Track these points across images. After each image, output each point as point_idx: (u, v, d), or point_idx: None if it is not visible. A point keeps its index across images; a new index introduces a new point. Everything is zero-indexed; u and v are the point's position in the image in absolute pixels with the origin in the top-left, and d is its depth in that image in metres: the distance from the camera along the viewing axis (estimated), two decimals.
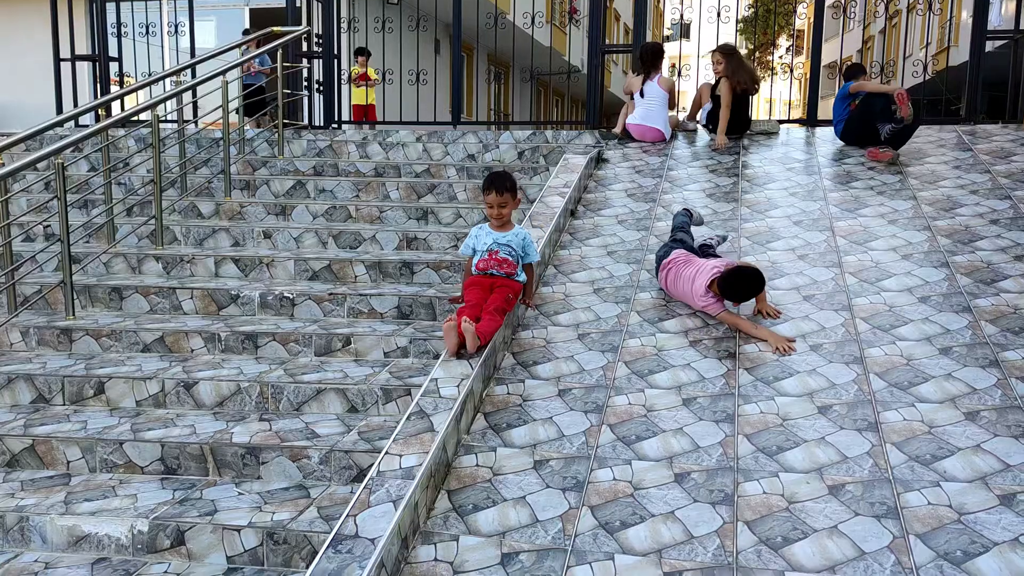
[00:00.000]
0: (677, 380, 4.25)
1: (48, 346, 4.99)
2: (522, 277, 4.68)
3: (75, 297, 5.24)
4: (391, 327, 5.00)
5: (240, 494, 3.69)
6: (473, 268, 4.63)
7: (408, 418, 3.76)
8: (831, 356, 4.40)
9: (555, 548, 3.21)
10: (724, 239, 5.65)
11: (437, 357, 4.53)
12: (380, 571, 2.93)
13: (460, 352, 4.22)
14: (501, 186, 4.59)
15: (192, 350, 4.88)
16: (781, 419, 3.91)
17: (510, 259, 4.59)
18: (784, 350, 4.44)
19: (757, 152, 7.80)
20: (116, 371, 4.53)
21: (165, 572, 3.30)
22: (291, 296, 5.29)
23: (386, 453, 3.51)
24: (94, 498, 3.65)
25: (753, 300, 4.85)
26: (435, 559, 3.18)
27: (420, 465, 3.39)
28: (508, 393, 4.25)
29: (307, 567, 3.23)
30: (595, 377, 4.33)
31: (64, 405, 4.44)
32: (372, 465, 3.64)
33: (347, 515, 3.15)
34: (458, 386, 3.98)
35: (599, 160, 7.59)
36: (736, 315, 4.75)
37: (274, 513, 3.49)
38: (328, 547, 2.99)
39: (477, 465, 3.72)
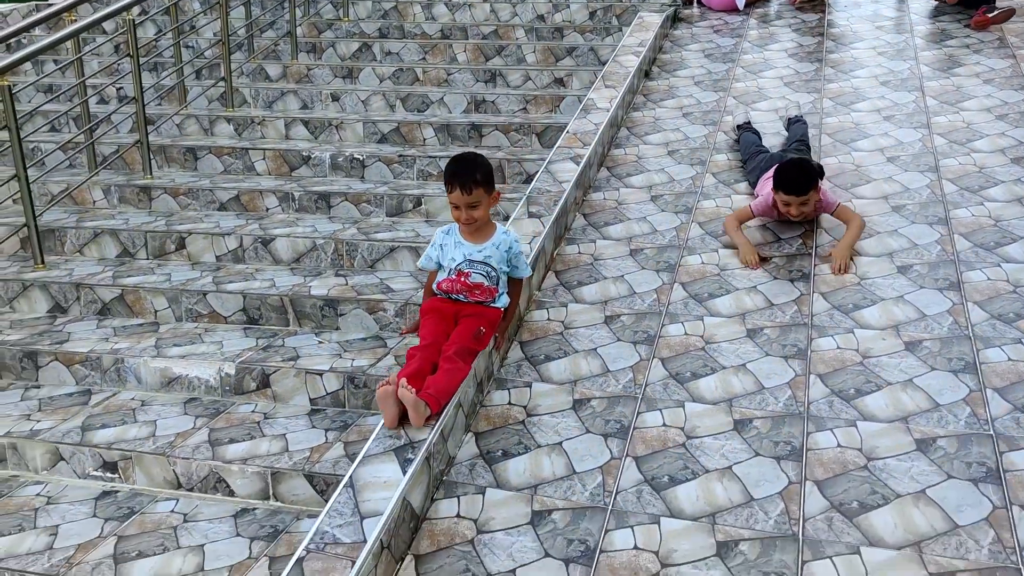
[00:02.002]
0: (752, 239, 4.21)
1: (129, 203, 5.18)
2: (502, 301, 3.28)
3: (151, 157, 5.39)
4: None
5: (320, 343, 3.87)
6: (434, 287, 3.29)
7: None
8: (914, 217, 4.29)
9: (625, 395, 3.30)
10: (799, 119, 5.25)
11: (507, 219, 4.57)
12: (458, 410, 3.07)
13: (403, 424, 2.93)
14: (467, 179, 3.07)
15: (267, 209, 5.01)
16: (859, 277, 3.87)
17: (485, 283, 3.19)
18: (749, 264, 4.01)
19: (844, 10, 7.39)
20: (195, 227, 4.70)
21: (252, 411, 3.52)
22: (361, 158, 5.34)
23: None
24: (182, 343, 3.87)
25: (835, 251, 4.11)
26: (509, 403, 3.32)
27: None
28: (579, 252, 4.28)
29: None
30: (668, 238, 4.33)
31: (148, 259, 4.65)
32: None
33: None
34: (530, 243, 4.02)
35: (675, 20, 7.30)
36: (735, 220, 4.22)
37: (353, 360, 3.66)
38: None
39: (548, 319, 3.80)
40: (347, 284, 4.20)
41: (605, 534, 2.72)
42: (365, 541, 2.50)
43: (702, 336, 3.60)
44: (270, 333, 3.99)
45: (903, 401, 3.16)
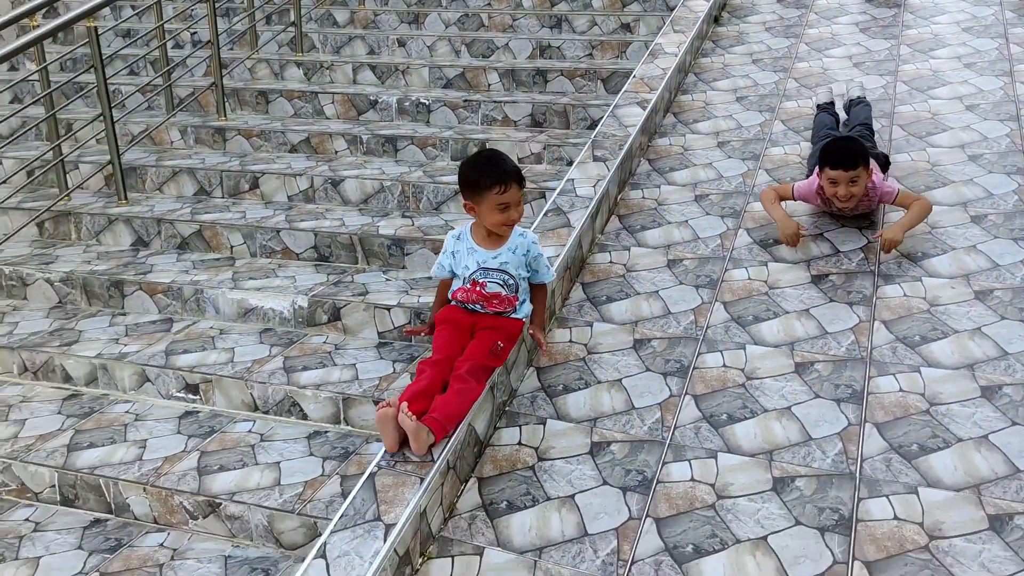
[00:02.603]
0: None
1: (204, 144, 5.37)
2: (524, 310, 3.03)
3: (225, 100, 5.56)
4: (524, 134, 5.08)
5: (387, 280, 4.00)
6: (450, 295, 3.05)
7: (545, 214, 3.91)
8: (991, 166, 4.21)
9: (687, 337, 3.37)
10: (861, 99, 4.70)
11: (570, 164, 4.61)
12: (520, 345, 3.18)
13: (404, 448, 2.70)
14: (518, 174, 2.86)
15: (336, 151, 5.15)
16: (930, 227, 3.84)
17: (503, 292, 2.94)
18: (790, 242, 3.73)
19: None
20: (268, 168, 4.87)
21: (324, 342, 3.68)
22: (427, 102, 5.43)
23: None
24: (257, 277, 4.06)
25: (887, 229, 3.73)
26: (570, 340, 3.41)
27: (558, 256, 3.56)
28: (643, 197, 4.32)
29: None
30: (734, 184, 4.33)
31: (223, 197, 4.84)
32: None
33: None
34: (594, 187, 4.08)
35: None
36: (773, 192, 3.88)
37: (420, 296, 3.79)
38: None
39: (611, 262, 3.87)
40: (413, 225, 4.32)
41: (662, 466, 2.81)
42: (433, 461, 2.64)
43: (765, 281, 3.63)
44: (340, 270, 4.15)
45: (970, 348, 3.16)
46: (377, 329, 3.72)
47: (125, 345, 3.70)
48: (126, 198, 4.72)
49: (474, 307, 2.98)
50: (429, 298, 3.77)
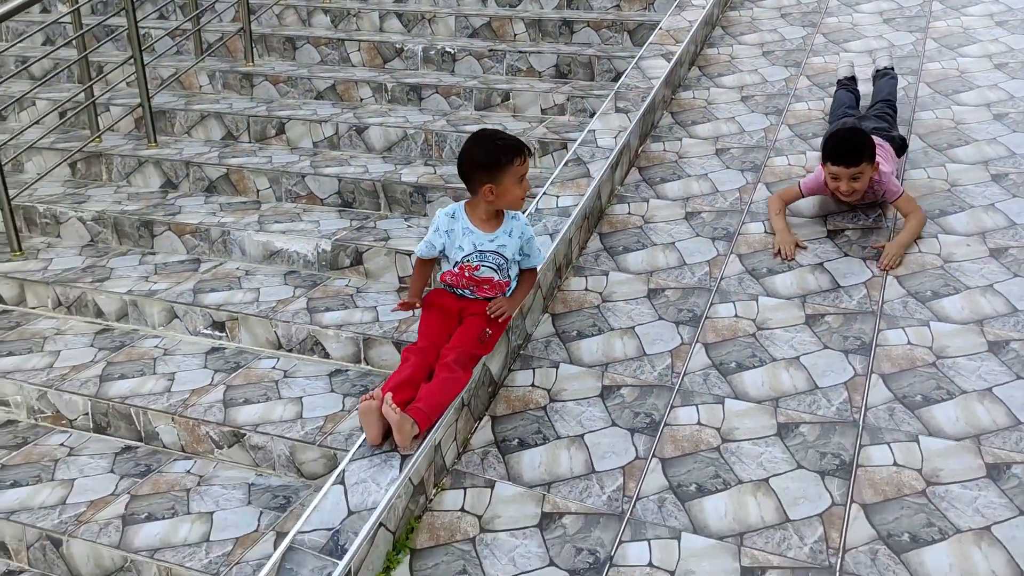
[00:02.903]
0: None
1: (232, 89, 5.45)
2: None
3: (253, 45, 5.63)
4: (548, 85, 5.11)
5: (409, 226, 4.09)
6: (439, 278, 2.99)
7: (566, 164, 3.97)
8: (1016, 125, 4.20)
9: (700, 287, 3.44)
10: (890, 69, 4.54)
11: (593, 115, 4.64)
12: (536, 291, 3.27)
13: (387, 440, 2.64)
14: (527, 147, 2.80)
15: (361, 99, 5.21)
16: (949, 184, 3.85)
17: (496, 277, 2.85)
18: (785, 254, 3.52)
19: None
20: (294, 114, 4.95)
21: (346, 285, 3.79)
22: (452, 51, 5.46)
23: (544, 193, 3.76)
24: (282, 221, 4.16)
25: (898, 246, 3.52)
26: (586, 288, 3.50)
27: (576, 205, 3.63)
28: (664, 150, 4.35)
29: None
30: (755, 139, 4.35)
31: (250, 142, 4.93)
32: (526, 211, 3.93)
33: None
34: (615, 138, 4.12)
35: None
36: (779, 200, 3.71)
37: None
38: None
39: (629, 213, 3.93)
40: (435, 173, 4.39)
41: (670, 410, 2.91)
42: None
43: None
44: (363, 216, 4.24)
45: (980, 304, 3.20)
46: (398, 274, 3.82)
47: (154, 283, 3.83)
48: (155, 141, 4.83)
49: (463, 292, 2.89)
50: None
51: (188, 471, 2.99)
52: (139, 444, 3.16)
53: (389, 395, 2.57)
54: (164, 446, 3.13)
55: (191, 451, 3.10)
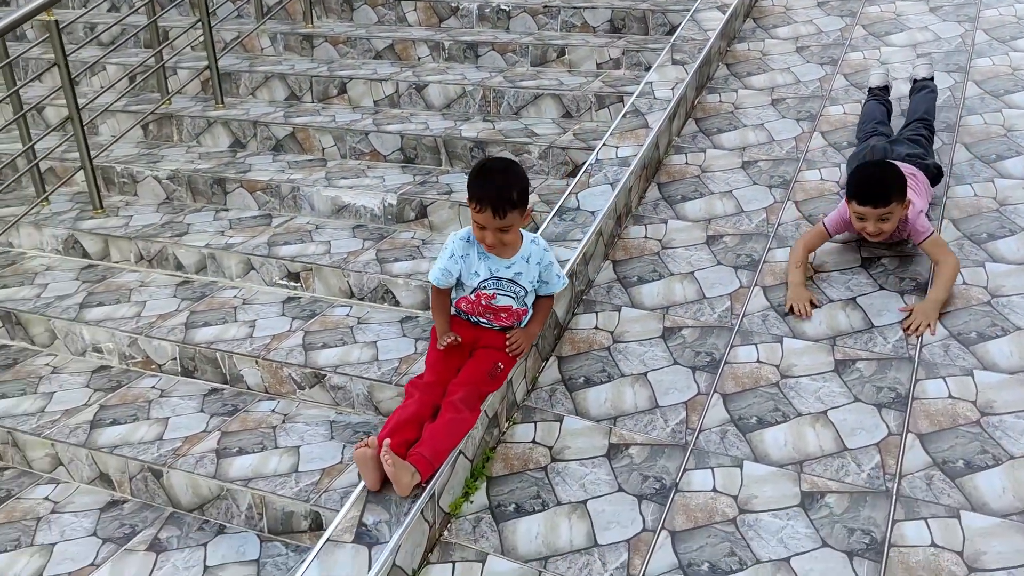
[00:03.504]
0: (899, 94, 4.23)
1: (293, 51, 5.63)
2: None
3: (312, 7, 5.79)
4: (603, 40, 5.19)
5: None
6: (452, 305, 2.83)
7: (624, 116, 4.08)
8: None
9: (758, 234, 3.55)
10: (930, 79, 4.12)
11: (648, 69, 4.72)
12: (598, 239, 3.41)
13: (387, 487, 2.50)
14: (501, 200, 2.52)
15: (419, 57, 5.35)
16: (998, 203, 3.83)
17: (514, 306, 2.74)
18: (798, 312, 3.13)
19: None
20: (354, 73, 5.11)
21: (412, 237, 3.97)
22: (507, 9, 5.55)
23: (603, 144, 3.89)
24: (348, 177, 4.35)
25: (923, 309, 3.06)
26: (645, 236, 3.63)
27: (635, 155, 3.75)
28: (720, 101, 4.43)
29: None
30: (811, 88, 4.40)
31: (312, 102, 5.11)
32: (586, 162, 4.06)
33: (569, 192, 3.62)
34: (672, 89, 4.21)
35: None
36: (803, 248, 3.29)
37: None
38: (553, 216, 3.49)
39: (686, 163, 4.03)
40: (494, 128, 4.53)
41: (730, 349, 3.04)
42: None
43: (837, 182, 3.76)
44: (425, 171, 4.41)
45: None
46: (461, 226, 3.98)
47: (230, 237, 4.05)
48: (223, 102, 5.04)
49: (479, 320, 2.78)
50: None
51: (273, 410, 3.22)
52: (225, 386, 3.39)
53: (387, 443, 2.40)
54: (248, 388, 3.36)
55: (274, 392, 3.32)
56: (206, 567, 2.67)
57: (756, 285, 3.29)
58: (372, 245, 3.90)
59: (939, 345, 2.93)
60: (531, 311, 2.82)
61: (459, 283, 2.75)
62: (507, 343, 2.74)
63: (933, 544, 2.36)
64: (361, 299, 3.70)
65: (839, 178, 3.78)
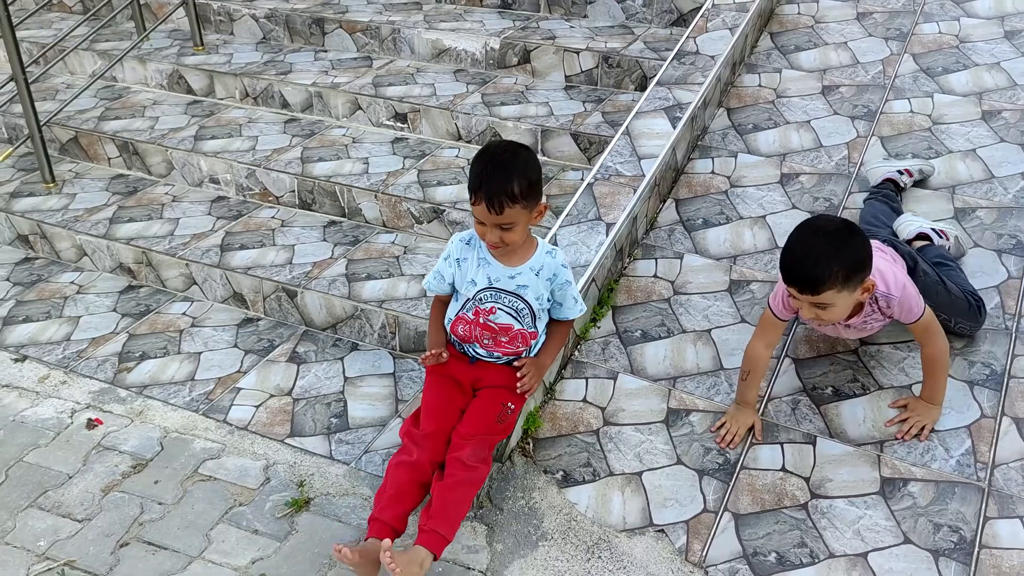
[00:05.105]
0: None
1: None
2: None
3: None
4: None
5: (571, 27, 4.27)
6: (447, 326, 2.40)
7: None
8: None
9: (875, 85, 3.58)
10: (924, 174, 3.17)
11: None
12: (716, 84, 3.47)
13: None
14: (500, 193, 2.09)
15: None
16: None
17: (516, 326, 2.31)
18: (725, 440, 2.45)
19: None
20: None
21: (515, 83, 4.04)
22: None
23: None
24: (447, 20, 4.38)
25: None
26: (759, 85, 3.68)
27: (752, 1, 3.75)
28: None
29: (636, 89, 3.86)
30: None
31: None
32: (692, 10, 4.06)
33: (687, 36, 3.66)
34: None
35: None
36: (758, 340, 2.47)
37: (606, 42, 4.06)
38: (673, 59, 3.55)
39: (799, 13, 4.02)
40: None
41: (848, 195, 3.15)
42: (643, 176, 3.05)
43: (957, 35, 3.76)
44: (524, 16, 4.42)
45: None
46: (564, 72, 4.04)
47: (334, 76, 4.14)
48: None
49: (477, 352, 2.35)
50: (615, 44, 4.04)
51: (392, 242, 3.39)
52: (343, 219, 3.56)
53: (387, 547, 1.99)
54: (367, 221, 3.53)
55: (392, 226, 3.49)
56: (346, 378, 2.91)
57: (873, 135, 3.37)
58: (476, 89, 3.98)
59: None
60: (542, 336, 2.37)
61: (456, 295, 2.36)
62: (518, 377, 2.31)
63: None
64: (468, 142, 3.81)
65: (957, 31, 3.77)
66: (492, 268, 2.27)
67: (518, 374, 2.32)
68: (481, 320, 2.28)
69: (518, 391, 2.32)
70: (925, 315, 2.37)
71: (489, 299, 2.27)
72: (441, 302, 2.42)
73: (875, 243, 2.38)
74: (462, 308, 2.31)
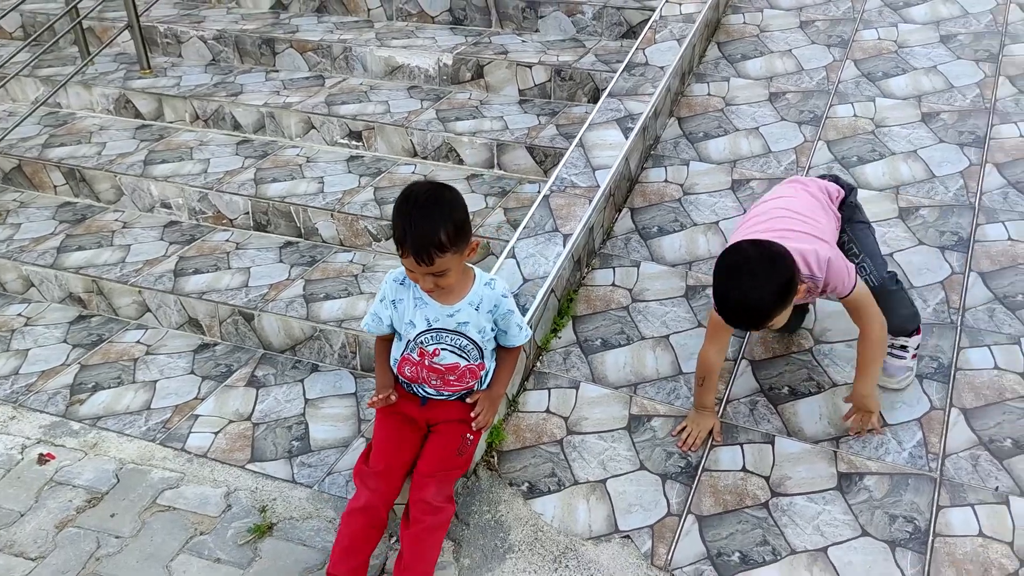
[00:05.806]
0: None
1: None
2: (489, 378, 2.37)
3: None
4: None
5: (523, 41, 4.33)
6: (393, 367, 2.34)
7: None
8: None
9: (819, 91, 3.69)
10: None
11: None
12: (666, 94, 3.54)
13: None
14: (427, 245, 1.99)
15: None
16: None
17: (463, 362, 2.26)
18: (687, 444, 2.51)
19: None
20: None
21: (469, 98, 4.08)
22: None
23: (666, 2, 3.97)
24: (399, 38, 4.42)
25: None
26: (708, 94, 3.77)
27: (699, 12, 3.85)
28: None
29: (589, 101, 3.92)
30: None
31: None
32: (641, 22, 4.15)
33: (636, 48, 3.74)
34: None
35: None
36: (707, 345, 2.47)
37: (558, 56, 4.12)
38: (624, 70, 3.62)
39: (745, 23, 4.13)
40: None
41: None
42: (598, 186, 3.10)
43: (895, 40, 3.89)
44: (475, 32, 4.48)
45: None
46: (518, 86, 4.09)
47: (286, 96, 4.15)
48: None
49: (427, 392, 2.30)
50: (567, 57, 4.10)
51: (351, 261, 3.41)
52: (299, 239, 3.57)
53: None
54: (324, 240, 3.53)
55: (349, 244, 3.50)
56: (307, 400, 2.91)
57: (820, 140, 3.47)
58: (431, 105, 4.01)
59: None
60: (491, 366, 2.34)
61: (398, 334, 2.30)
62: (472, 415, 2.29)
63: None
64: (424, 158, 3.84)
65: (895, 37, 3.90)
66: (430, 308, 2.20)
67: (472, 413, 2.30)
68: (427, 363, 2.23)
69: (473, 427, 2.30)
70: (856, 292, 2.35)
71: (432, 341, 2.21)
72: (385, 340, 2.35)
73: (796, 229, 2.33)
74: (406, 349, 2.25)
